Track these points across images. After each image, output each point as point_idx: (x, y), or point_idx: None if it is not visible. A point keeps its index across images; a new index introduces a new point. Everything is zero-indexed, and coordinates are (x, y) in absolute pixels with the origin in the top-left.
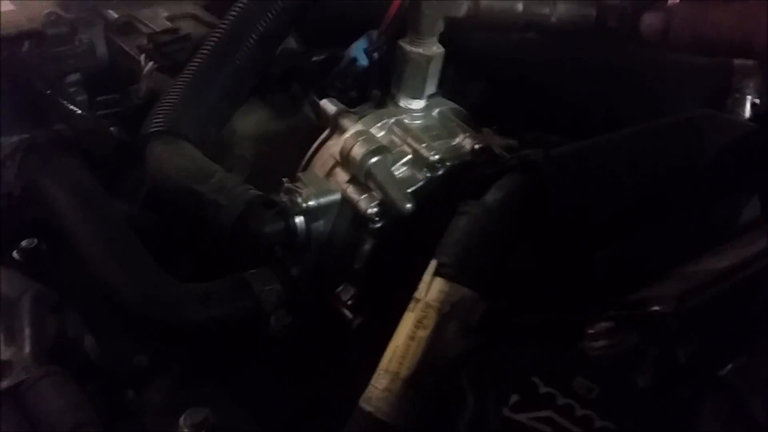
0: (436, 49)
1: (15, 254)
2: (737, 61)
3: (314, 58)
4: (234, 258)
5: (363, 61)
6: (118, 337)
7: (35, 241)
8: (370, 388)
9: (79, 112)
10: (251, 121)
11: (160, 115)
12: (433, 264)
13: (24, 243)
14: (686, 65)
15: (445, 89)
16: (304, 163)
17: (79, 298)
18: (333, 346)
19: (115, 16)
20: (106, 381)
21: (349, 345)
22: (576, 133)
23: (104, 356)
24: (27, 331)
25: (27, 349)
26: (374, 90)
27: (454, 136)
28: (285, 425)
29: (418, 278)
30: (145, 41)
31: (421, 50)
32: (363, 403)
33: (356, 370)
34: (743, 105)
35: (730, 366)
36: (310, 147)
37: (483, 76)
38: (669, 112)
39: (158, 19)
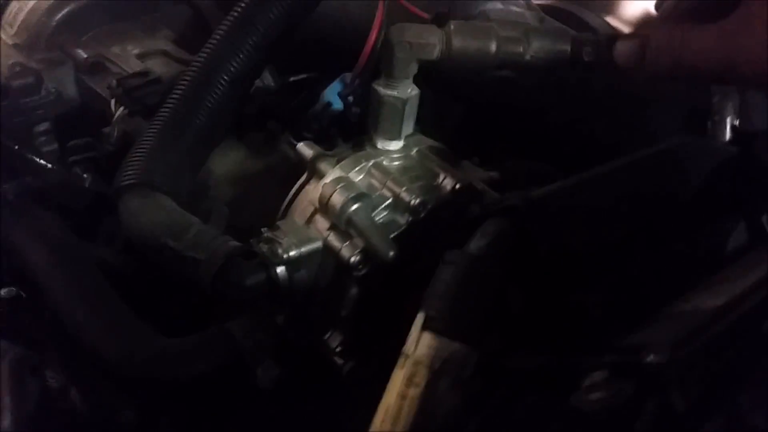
0: (410, 92)
1: None
2: (715, 84)
3: (290, 99)
4: (217, 306)
5: (337, 104)
6: (103, 391)
7: (14, 290)
8: None
9: (50, 166)
10: (228, 162)
11: (132, 167)
12: (420, 317)
13: (3, 292)
14: (664, 89)
15: (425, 112)
16: (282, 209)
17: (62, 350)
18: (325, 393)
19: (84, 55)
20: None
21: (341, 391)
22: (556, 158)
23: (90, 411)
24: (6, 401)
25: (7, 420)
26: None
27: (434, 176)
28: None
29: (407, 321)
30: (114, 84)
31: (396, 93)
32: None
33: (350, 416)
34: (723, 127)
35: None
36: (289, 184)
37: (463, 100)
38: (649, 136)
39: (128, 57)
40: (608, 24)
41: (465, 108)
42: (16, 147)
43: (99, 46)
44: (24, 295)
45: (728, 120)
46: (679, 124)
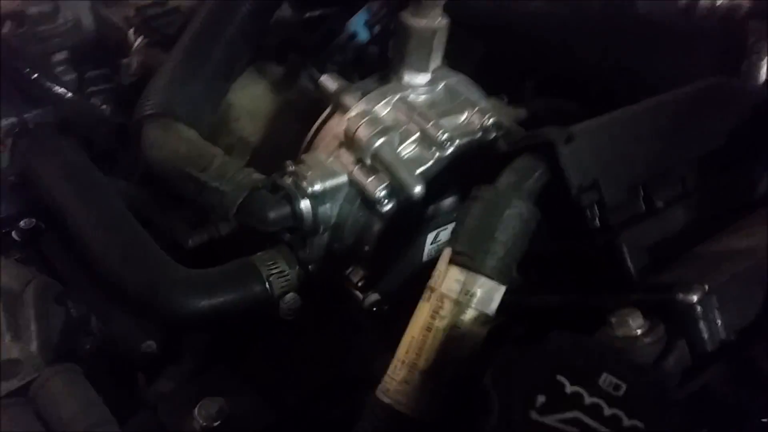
0: (440, 21)
1: (14, 234)
2: (752, 22)
3: (312, 32)
4: (241, 236)
5: (363, 35)
6: (126, 322)
7: (33, 221)
8: (386, 379)
9: (69, 94)
10: (248, 96)
11: (153, 97)
12: (447, 252)
13: (23, 223)
14: (699, 26)
15: (450, 48)
16: (306, 143)
17: (83, 280)
18: (345, 328)
19: None
20: (116, 368)
21: (360, 326)
22: (585, 97)
23: (112, 341)
24: (33, 327)
25: (34, 345)
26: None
27: (462, 111)
28: (299, 408)
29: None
30: (132, 14)
31: (425, 22)
32: (380, 394)
33: (369, 351)
34: (759, 68)
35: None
36: (310, 119)
37: (484, 35)
38: (682, 75)
39: None
40: None
41: (486, 44)
42: (36, 75)
43: None
44: (43, 226)
45: (764, 62)
46: (713, 67)
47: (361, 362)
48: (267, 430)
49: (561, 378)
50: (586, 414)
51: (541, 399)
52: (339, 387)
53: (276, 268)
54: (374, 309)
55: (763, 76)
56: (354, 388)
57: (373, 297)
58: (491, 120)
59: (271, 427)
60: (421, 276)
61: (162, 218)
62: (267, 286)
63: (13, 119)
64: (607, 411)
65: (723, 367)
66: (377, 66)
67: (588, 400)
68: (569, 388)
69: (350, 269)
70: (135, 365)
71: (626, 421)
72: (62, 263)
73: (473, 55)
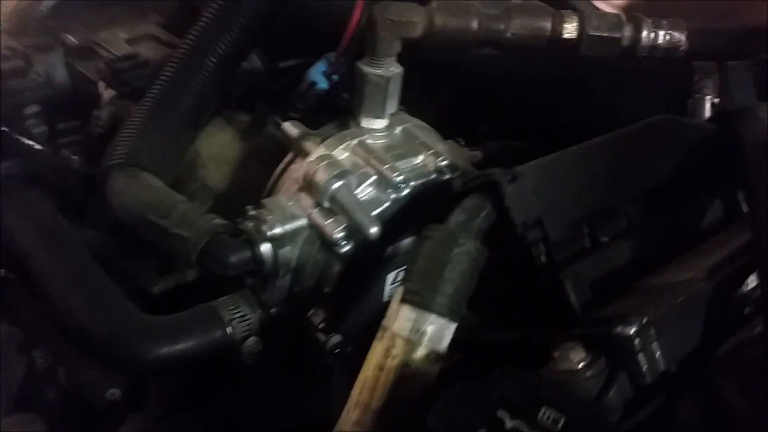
0: (394, 70)
1: None
2: (696, 63)
3: (276, 81)
4: (207, 282)
5: (322, 83)
6: (91, 371)
7: (2, 271)
8: (340, 421)
9: (38, 147)
10: (215, 143)
11: (120, 147)
12: (399, 290)
13: None
14: (646, 67)
15: (412, 95)
16: (267, 188)
17: (49, 330)
18: (308, 370)
19: (74, 40)
20: (80, 417)
21: (324, 367)
22: (539, 138)
23: (78, 390)
24: None
25: None
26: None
27: (417, 153)
28: None
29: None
30: (103, 67)
31: (380, 71)
32: None
33: (332, 394)
34: (703, 105)
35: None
36: (275, 165)
37: (449, 84)
38: (630, 116)
39: (118, 42)
40: (593, 5)
41: (450, 91)
42: (6, 129)
43: (88, 30)
44: (11, 276)
45: (708, 98)
46: (660, 106)
47: (324, 405)
48: None
49: (501, 413)
50: None
51: None
52: (303, 430)
53: (238, 312)
54: (337, 350)
55: (707, 113)
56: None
57: (336, 339)
58: (445, 162)
59: None
60: (382, 316)
61: (129, 266)
62: (229, 330)
63: None
64: None
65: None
66: (337, 113)
67: None
68: (509, 423)
69: (312, 311)
70: (100, 413)
71: None
72: (28, 312)
73: (438, 99)
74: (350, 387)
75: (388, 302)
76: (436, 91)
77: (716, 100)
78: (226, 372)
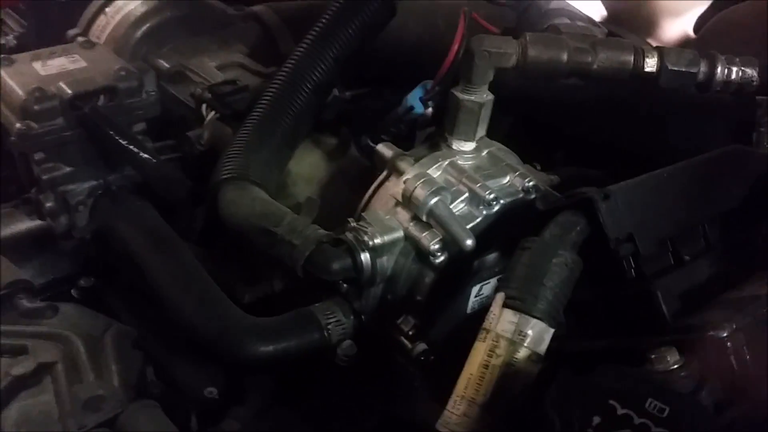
0: (486, 97)
1: (73, 292)
2: (759, 97)
3: (365, 105)
4: (293, 293)
5: (419, 108)
6: (189, 370)
7: (92, 279)
8: (446, 413)
9: (153, 159)
10: (305, 164)
11: (231, 162)
12: (500, 297)
13: (82, 281)
14: (714, 101)
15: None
16: (363, 203)
17: (146, 332)
18: (395, 375)
19: (166, 65)
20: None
21: (409, 374)
22: (606, 166)
23: (176, 388)
24: (114, 367)
25: (116, 383)
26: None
27: (504, 174)
28: None
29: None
30: (200, 90)
31: (474, 98)
32: (441, 427)
33: (417, 399)
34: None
35: None
36: (359, 186)
37: (518, 111)
38: (697, 148)
39: (207, 68)
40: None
41: (516, 117)
42: (125, 142)
43: (178, 57)
44: (100, 285)
45: None
46: (726, 135)
47: (409, 407)
48: None
49: (612, 402)
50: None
51: (596, 419)
52: (390, 429)
53: (333, 317)
54: (422, 358)
55: None
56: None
57: (421, 347)
58: (531, 183)
59: None
60: (466, 328)
61: (220, 275)
62: (326, 333)
63: (95, 182)
64: (654, 429)
65: None
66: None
67: (637, 420)
68: (620, 411)
69: (401, 318)
70: (197, 409)
71: None
72: (125, 316)
73: (502, 126)
74: (434, 393)
75: (471, 314)
76: (499, 118)
77: None
78: (320, 372)
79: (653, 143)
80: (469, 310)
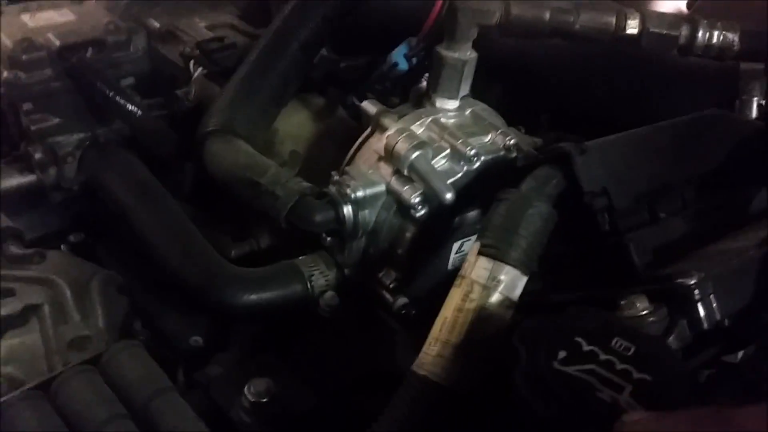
0: (470, 54)
1: (63, 247)
2: (743, 65)
3: (351, 64)
4: (278, 249)
5: (403, 65)
6: (174, 319)
7: (82, 235)
8: (422, 354)
9: (140, 112)
10: (292, 122)
11: (217, 115)
12: (476, 245)
13: (72, 237)
14: (697, 69)
15: (475, 84)
16: (348, 158)
17: (132, 283)
18: (377, 327)
19: (157, 25)
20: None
21: (390, 327)
22: (592, 133)
23: (162, 336)
24: (99, 311)
25: (101, 324)
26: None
27: (486, 132)
28: (338, 395)
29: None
30: (189, 49)
31: (456, 55)
32: (416, 368)
33: (398, 350)
34: (750, 106)
35: (741, 354)
36: (346, 145)
37: (501, 79)
38: (682, 109)
39: (197, 28)
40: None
41: (505, 82)
42: (112, 93)
43: (169, 17)
44: (90, 241)
45: (755, 99)
46: (710, 106)
47: (391, 360)
48: (310, 411)
49: (579, 339)
50: (601, 367)
51: (562, 354)
52: (372, 380)
53: (316, 269)
54: (403, 312)
55: (754, 113)
56: (386, 382)
57: (402, 300)
58: (512, 141)
59: (313, 408)
60: (446, 283)
61: (208, 232)
62: (308, 285)
63: (83, 134)
64: (619, 365)
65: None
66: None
67: (602, 356)
68: (586, 347)
69: (383, 272)
70: (182, 357)
71: (636, 374)
72: (113, 268)
73: (492, 93)
74: (413, 346)
75: (452, 270)
76: (487, 85)
77: (762, 102)
78: (305, 322)
79: (637, 111)
80: (450, 266)
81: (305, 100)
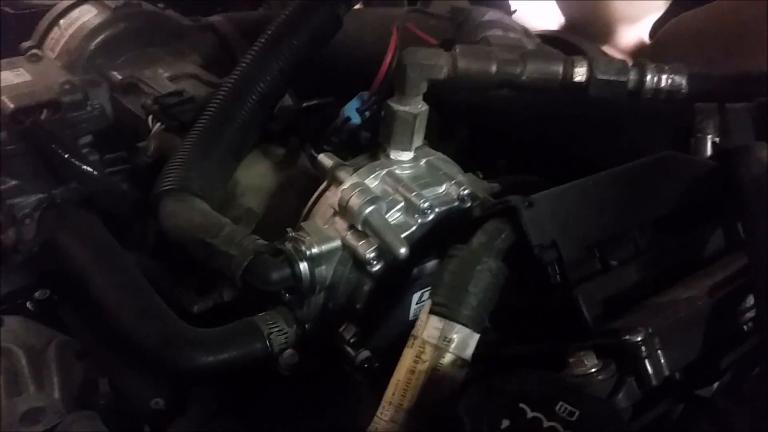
0: (420, 107)
1: (29, 305)
2: (698, 104)
3: (312, 106)
4: (242, 302)
5: (356, 119)
6: (135, 381)
7: (48, 292)
8: (375, 419)
9: (95, 173)
10: (253, 174)
11: (172, 174)
12: (428, 303)
13: (38, 294)
14: (652, 109)
15: (433, 134)
16: (304, 213)
17: (94, 344)
18: (338, 382)
19: (119, 77)
20: (125, 424)
21: (352, 381)
22: (553, 173)
23: (121, 400)
24: (55, 379)
25: (56, 395)
26: (366, 142)
27: (441, 183)
28: None
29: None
30: (150, 102)
31: (407, 108)
32: None
33: (360, 405)
34: (705, 144)
35: (716, 386)
36: (308, 195)
37: (465, 122)
38: (638, 153)
39: (160, 79)
40: (603, 52)
41: (468, 129)
42: (67, 156)
43: (132, 68)
44: (56, 298)
45: (709, 137)
46: (665, 145)
47: (353, 415)
48: None
49: (522, 405)
50: None
51: (505, 423)
52: None
53: (276, 326)
54: (365, 365)
55: (708, 151)
56: None
57: (364, 354)
58: (466, 191)
59: None
60: (407, 334)
61: (170, 286)
62: (267, 343)
63: (41, 195)
64: None
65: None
66: (366, 147)
67: (546, 423)
68: (530, 414)
69: (343, 327)
70: (144, 420)
71: None
72: (75, 328)
73: (458, 136)
74: (377, 399)
75: (413, 320)
76: (454, 129)
77: (717, 140)
78: (265, 381)
79: (595, 151)
80: (411, 317)
81: (266, 151)
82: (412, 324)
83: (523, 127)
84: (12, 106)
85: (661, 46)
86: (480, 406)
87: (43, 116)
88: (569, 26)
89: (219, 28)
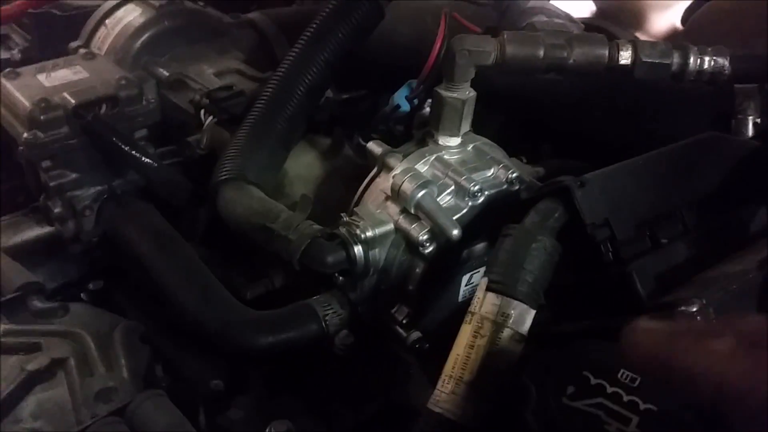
0: (468, 93)
1: (83, 296)
2: (738, 85)
3: (353, 97)
4: (293, 288)
5: (405, 106)
6: (195, 364)
7: (101, 282)
8: (436, 392)
9: (155, 164)
10: (301, 164)
11: (228, 164)
12: (484, 281)
13: (92, 284)
14: (693, 90)
15: (476, 118)
16: (355, 199)
17: (152, 329)
18: (391, 362)
19: (166, 73)
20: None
21: (404, 361)
22: (593, 158)
23: (183, 381)
24: (123, 361)
25: (125, 375)
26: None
27: (489, 167)
28: (359, 430)
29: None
30: (198, 97)
31: (456, 95)
32: (431, 406)
33: (412, 385)
34: (746, 125)
35: None
36: (354, 183)
37: (503, 110)
38: (679, 136)
39: (206, 75)
40: (637, 38)
41: (505, 114)
42: (127, 148)
43: (177, 65)
44: (109, 287)
45: (750, 118)
46: (706, 124)
47: (406, 393)
48: None
49: (586, 373)
50: (608, 399)
51: (570, 389)
52: (387, 415)
53: (330, 308)
54: (416, 346)
55: (750, 132)
56: (402, 417)
57: (415, 335)
58: (514, 174)
59: None
60: (457, 316)
61: (223, 274)
62: (323, 324)
63: (100, 187)
64: (626, 397)
65: None
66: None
67: (609, 389)
68: (593, 381)
69: (395, 308)
70: (204, 401)
71: (642, 405)
72: (133, 315)
73: (494, 125)
74: (428, 377)
75: (462, 302)
76: (496, 115)
77: (758, 120)
78: (321, 361)
79: (636, 135)
80: (460, 299)
81: (312, 141)
82: (461, 306)
83: (561, 113)
84: (73, 101)
85: (693, 33)
86: (544, 374)
87: (102, 111)
88: (601, 14)
89: (258, 24)
